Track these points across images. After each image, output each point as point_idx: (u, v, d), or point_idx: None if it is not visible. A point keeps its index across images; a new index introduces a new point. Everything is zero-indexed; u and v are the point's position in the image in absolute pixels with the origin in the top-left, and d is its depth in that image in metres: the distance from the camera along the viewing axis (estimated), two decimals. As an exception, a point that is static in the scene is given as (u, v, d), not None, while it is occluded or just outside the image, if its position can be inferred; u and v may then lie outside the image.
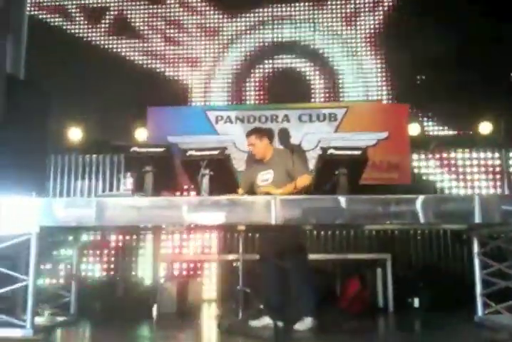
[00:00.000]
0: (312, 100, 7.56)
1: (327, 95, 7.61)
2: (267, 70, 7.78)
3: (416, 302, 5.61)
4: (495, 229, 4.09)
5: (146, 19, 7.94)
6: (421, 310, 5.52)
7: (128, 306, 5.46)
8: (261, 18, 7.92)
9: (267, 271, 4.50)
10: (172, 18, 7.97)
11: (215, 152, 3.96)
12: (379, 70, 7.53)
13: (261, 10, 7.92)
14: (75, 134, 7.26)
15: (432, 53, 6.98)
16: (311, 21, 7.82)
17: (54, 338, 3.80)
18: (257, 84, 7.71)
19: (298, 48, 7.78)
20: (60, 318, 4.28)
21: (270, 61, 7.81)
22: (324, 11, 7.83)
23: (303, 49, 7.76)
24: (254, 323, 4.33)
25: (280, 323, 4.26)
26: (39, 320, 4.01)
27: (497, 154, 7.08)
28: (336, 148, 3.99)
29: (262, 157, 4.60)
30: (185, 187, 6.44)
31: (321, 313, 4.34)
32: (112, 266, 7.01)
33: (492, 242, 4.32)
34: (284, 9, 7.89)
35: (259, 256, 4.64)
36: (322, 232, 6.78)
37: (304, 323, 4.20)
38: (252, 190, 4.56)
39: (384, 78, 7.49)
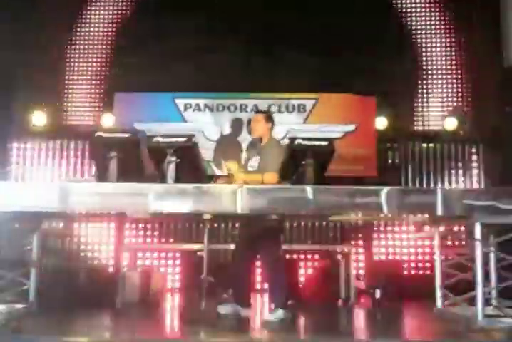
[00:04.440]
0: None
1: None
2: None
3: (378, 293, 5.69)
4: (456, 222, 4.16)
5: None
6: (382, 301, 5.61)
7: (90, 294, 5.39)
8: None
9: (239, 260, 4.50)
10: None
11: (182, 139, 3.91)
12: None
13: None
14: (39, 119, 7.09)
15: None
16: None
17: (12, 326, 3.71)
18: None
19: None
20: (18, 306, 4.19)
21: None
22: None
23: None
24: (221, 309, 4.33)
25: (246, 312, 4.28)
26: (-4, 307, 3.92)
27: (460, 149, 7.21)
28: (303, 139, 4.00)
29: (259, 136, 4.61)
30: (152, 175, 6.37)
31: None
32: (74, 253, 6.90)
33: (453, 235, 4.40)
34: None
35: (236, 246, 4.64)
36: (287, 222, 6.80)
37: (276, 314, 4.22)
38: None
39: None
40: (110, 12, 7.70)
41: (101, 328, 3.84)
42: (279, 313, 4.22)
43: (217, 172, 6.47)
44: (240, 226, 4.92)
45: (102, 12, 7.69)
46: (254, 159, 4.56)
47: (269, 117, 4.67)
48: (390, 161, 7.17)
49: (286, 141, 4.26)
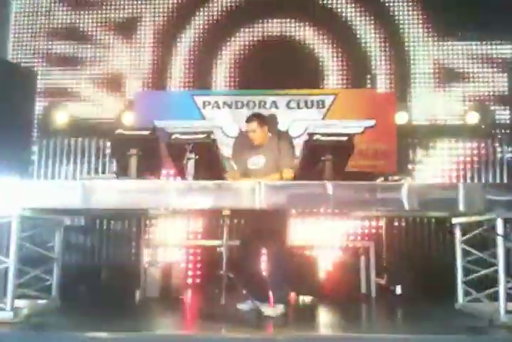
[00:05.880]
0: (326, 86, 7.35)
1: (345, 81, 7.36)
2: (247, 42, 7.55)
3: (399, 289, 5.66)
4: (478, 218, 4.12)
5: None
6: (403, 297, 5.58)
7: (112, 290, 5.44)
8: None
9: (247, 254, 4.51)
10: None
11: (201, 136, 3.93)
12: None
13: None
14: (61, 117, 7.17)
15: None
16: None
17: (35, 321, 3.77)
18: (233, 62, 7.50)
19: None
20: (41, 302, 4.26)
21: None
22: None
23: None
24: (242, 306, 4.35)
25: (266, 308, 4.28)
26: (20, 303, 3.98)
27: (483, 144, 7.11)
28: (322, 134, 3.99)
29: (260, 143, 4.62)
30: (171, 171, 6.41)
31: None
32: (96, 250, 6.98)
33: (474, 230, 4.35)
34: None
35: (241, 241, 4.65)
36: (307, 217, 6.78)
37: (275, 309, 4.21)
38: (244, 174, 4.59)
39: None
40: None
41: (123, 324, 3.88)
42: (279, 308, 4.21)
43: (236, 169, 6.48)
44: (245, 221, 4.94)
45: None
46: (257, 157, 4.56)
47: (261, 121, 4.64)
48: (411, 156, 7.10)
49: (305, 137, 4.24)
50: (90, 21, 7.56)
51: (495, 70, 7.17)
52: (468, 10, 6.72)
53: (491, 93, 7.14)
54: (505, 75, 7.02)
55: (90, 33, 7.54)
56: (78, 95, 7.41)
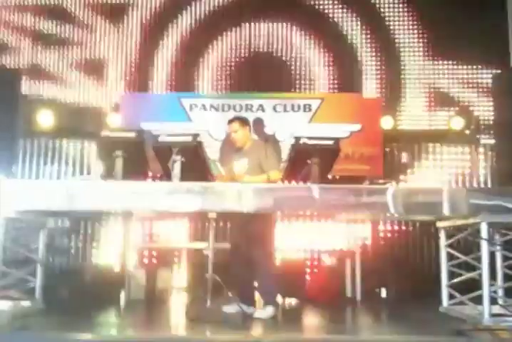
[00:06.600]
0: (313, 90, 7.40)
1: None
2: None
3: (384, 292, 5.70)
4: (462, 222, 4.16)
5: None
6: (387, 300, 5.61)
7: (96, 292, 5.39)
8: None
9: (237, 258, 4.50)
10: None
11: (187, 139, 3.93)
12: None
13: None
14: (46, 118, 7.11)
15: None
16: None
17: (18, 323, 3.74)
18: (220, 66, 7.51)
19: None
20: (24, 304, 4.22)
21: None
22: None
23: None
24: (227, 309, 4.34)
25: (251, 310, 4.28)
26: (3, 305, 3.94)
27: (467, 149, 7.19)
28: (309, 138, 4.01)
29: (242, 145, 4.60)
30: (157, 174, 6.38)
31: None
32: (80, 252, 6.93)
33: (458, 234, 4.39)
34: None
35: (230, 244, 4.64)
36: (293, 221, 6.79)
37: (266, 312, 4.21)
38: (231, 179, 4.58)
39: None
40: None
41: (106, 326, 3.86)
42: (269, 310, 4.22)
43: (223, 172, 6.47)
44: (232, 224, 4.93)
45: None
46: (241, 161, 4.54)
47: (243, 122, 4.63)
48: (396, 161, 7.14)
49: (291, 140, 4.26)
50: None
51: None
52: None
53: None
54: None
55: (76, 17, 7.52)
56: (65, 96, 7.36)
